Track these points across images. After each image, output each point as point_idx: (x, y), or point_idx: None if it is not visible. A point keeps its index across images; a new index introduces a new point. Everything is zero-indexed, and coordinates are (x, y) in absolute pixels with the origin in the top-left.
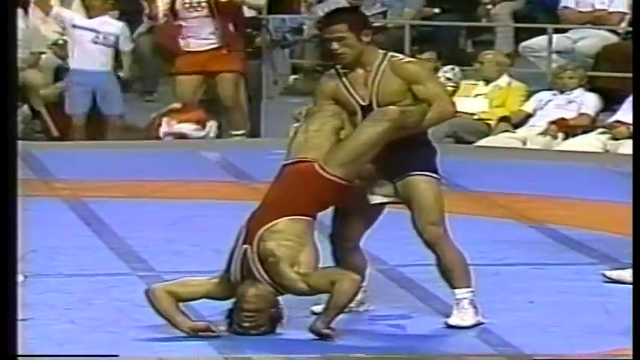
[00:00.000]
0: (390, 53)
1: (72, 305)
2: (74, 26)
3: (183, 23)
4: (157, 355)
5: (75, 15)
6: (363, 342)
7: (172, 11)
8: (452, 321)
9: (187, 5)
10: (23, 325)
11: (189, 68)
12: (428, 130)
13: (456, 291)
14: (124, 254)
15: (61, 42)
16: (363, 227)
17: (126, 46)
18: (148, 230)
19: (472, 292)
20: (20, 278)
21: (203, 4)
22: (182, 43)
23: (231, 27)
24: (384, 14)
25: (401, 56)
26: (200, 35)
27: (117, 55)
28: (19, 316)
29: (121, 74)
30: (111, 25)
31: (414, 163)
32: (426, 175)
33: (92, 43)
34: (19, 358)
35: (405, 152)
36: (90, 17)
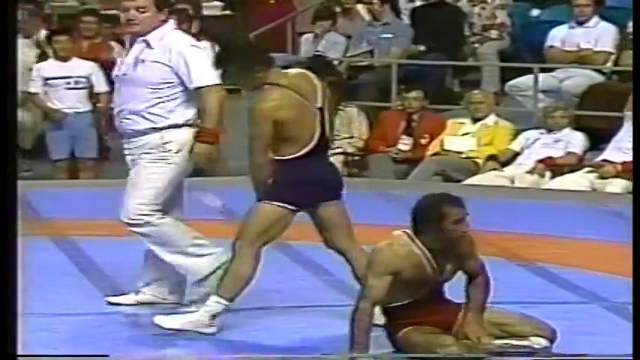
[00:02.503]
0: (270, 84)
1: (60, 344)
2: (47, 79)
3: None
4: (156, 355)
5: (46, 66)
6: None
7: None
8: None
9: None
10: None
11: None
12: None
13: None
14: (112, 292)
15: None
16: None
17: (100, 87)
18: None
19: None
20: None
21: None
22: None
23: None
24: (371, 53)
25: (273, 93)
26: None
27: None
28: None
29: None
30: (81, 67)
31: None
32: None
33: (66, 90)
34: (19, 358)
35: None
36: (61, 59)
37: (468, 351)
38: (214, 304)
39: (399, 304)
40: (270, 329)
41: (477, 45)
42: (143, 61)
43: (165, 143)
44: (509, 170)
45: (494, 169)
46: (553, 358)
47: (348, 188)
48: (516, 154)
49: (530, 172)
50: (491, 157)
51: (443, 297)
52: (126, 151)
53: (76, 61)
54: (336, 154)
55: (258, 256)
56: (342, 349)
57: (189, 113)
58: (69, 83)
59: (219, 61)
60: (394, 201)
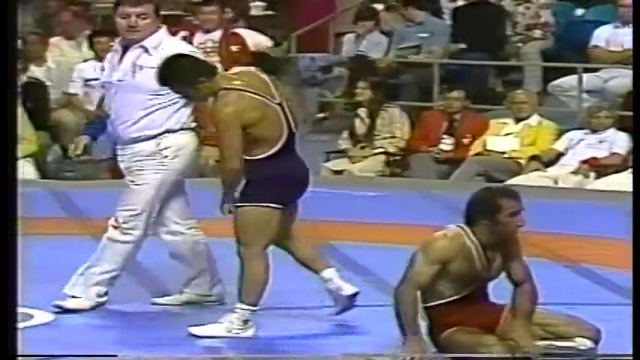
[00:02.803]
0: (226, 88)
1: (107, 342)
2: (87, 80)
3: None
4: (156, 354)
5: (86, 67)
6: None
7: None
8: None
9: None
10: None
11: None
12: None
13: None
14: (155, 291)
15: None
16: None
17: None
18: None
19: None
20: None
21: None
22: None
23: None
24: (418, 47)
25: (231, 97)
26: None
27: None
28: None
29: None
30: None
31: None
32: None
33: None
34: (19, 358)
35: None
36: (102, 61)
37: (511, 352)
38: (240, 310)
39: (444, 301)
40: (313, 329)
41: (520, 44)
42: (141, 67)
43: (162, 149)
44: (552, 171)
45: (538, 170)
46: (552, 358)
47: (390, 188)
48: (560, 155)
49: (575, 172)
50: (535, 158)
51: (487, 298)
52: (120, 158)
53: None
54: (378, 153)
55: (266, 258)
56: (387, 348)
57: (185, 118)
58: None
59: (161, 79)
60: (436, 201)
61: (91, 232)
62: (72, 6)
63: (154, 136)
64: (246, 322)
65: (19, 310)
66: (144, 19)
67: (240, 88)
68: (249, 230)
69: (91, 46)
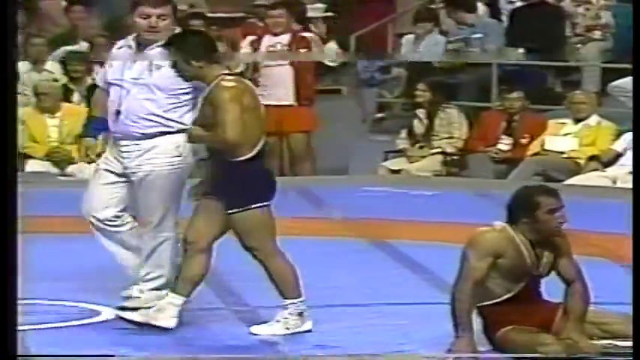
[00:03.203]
0: (225, 74)
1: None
2: None
3: (260, 79)
4: (156, 354)
5: None
6: None
7: (254, 65)
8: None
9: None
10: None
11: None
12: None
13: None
14: (217, 289)
15: None
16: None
17: None
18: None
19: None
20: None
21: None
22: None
23: (308, 80)
24: (467, 41)
25: (230, 79)
26: (277, 90)
27: None
28: None
29: None
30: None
31: None
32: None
33: None
34: (19, 358)
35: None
36: None
37: (569, 351)
38: (290, 306)
39: (497, 301)
40: (370, 326)
41: (579, 45)
42: (159, 67)
43: (178, 147)
44: (611, 171)
45: (596, 170)
46: (551, 357)
47: (448, 187)
48: (619, 155)
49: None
50: (594, 158)
51: (541, 296)
52: (124, 155)
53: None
54: (435, 153)
55: (280, 251)
56: (441, 346)
57: (190, 117)
58: None
59: (168, 51)
60: (493, 200)
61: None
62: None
63: (170, 134)
64: (300, 314)
65: (46, 306)
66: (164, 19)
67: (239, 76)
68: (254, 234)
69: None
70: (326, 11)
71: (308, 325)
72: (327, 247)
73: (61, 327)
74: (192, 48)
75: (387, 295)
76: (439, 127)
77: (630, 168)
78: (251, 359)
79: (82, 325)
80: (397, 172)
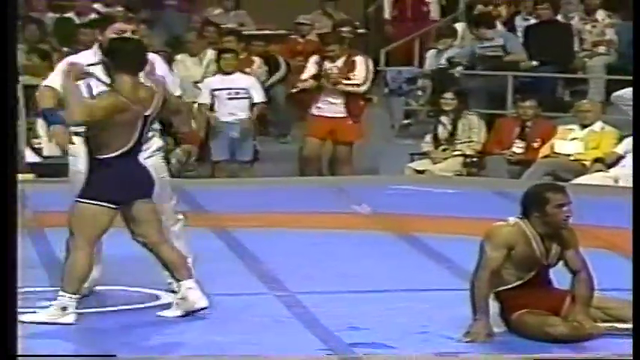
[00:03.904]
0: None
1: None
2: (213, 90)
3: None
4: (156, 354)
5: (213, 79)
6: None
7: (318, 86)
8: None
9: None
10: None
11: (318, 133)
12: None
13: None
14: (262, 277)
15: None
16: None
17: (257, 98)
18: (282, 256)
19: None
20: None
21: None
22: (314, 109)
23: (357, 98)
24: (503, 48)
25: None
26: (332, 104)
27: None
28: None
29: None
30: (243, 80)
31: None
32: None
33: (228, 99)
34: (19, 358)
35: None
36: (225, 74)
37: (575, 332)
38: (60, 298)
39: (511, 286)
40: (397, 310)
41: (586, 59)
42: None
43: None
44: (613, 171)
45: (600, 170)
46: (551, 357)
47: (467, 186)
48: (620, 157)
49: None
50: (598, 160)
51: (550, 284)
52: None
53: (237, 75)
54: (456, 155)
55: (89, 250)
56: (461, 328)
57: None
58: (230, 94)
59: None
60: (508, 198)
61: (210, 224)
62: (196, 27)
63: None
64: (64, 309)
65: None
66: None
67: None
68: (79, 223)
69: (217, 61)
70: (358, 28)
71: (70, 319)
72: (359, 239)
73: (124, 309)
74: (133, 53)
75: (413, 283)
76: (460, 132)
77: (630, 169)
78: (258, 359)
79: (145, 307)
80: (422, 172)
